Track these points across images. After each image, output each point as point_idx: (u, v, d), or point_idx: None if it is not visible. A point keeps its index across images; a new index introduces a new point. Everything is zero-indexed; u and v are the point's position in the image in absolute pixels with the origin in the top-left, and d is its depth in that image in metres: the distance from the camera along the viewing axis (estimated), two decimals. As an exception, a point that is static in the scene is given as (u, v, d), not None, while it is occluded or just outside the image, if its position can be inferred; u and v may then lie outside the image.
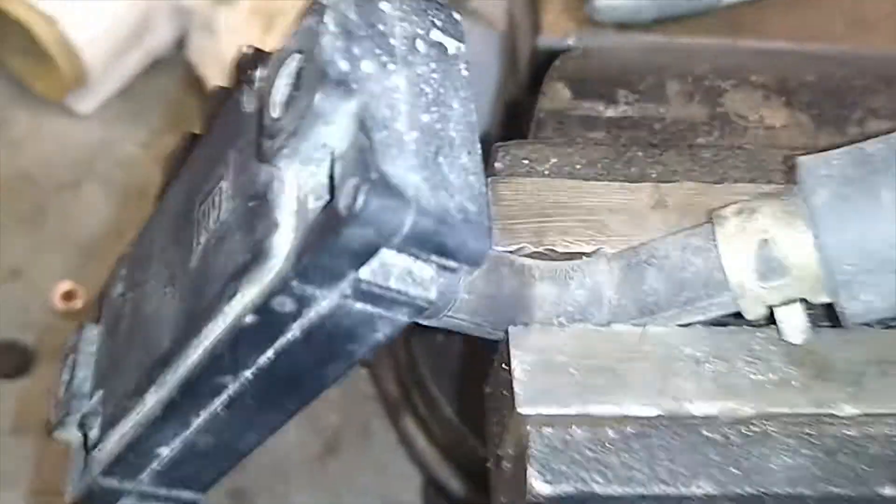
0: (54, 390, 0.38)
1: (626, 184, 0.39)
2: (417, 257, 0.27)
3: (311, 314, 0.28)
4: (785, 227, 0.33)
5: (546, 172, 0.40)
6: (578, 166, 0.40)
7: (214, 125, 0.34)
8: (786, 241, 0.33)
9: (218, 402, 0.31)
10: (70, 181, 0.95)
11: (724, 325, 0.36)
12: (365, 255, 0.25)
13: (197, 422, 0.32)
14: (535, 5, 0.60)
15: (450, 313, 0.34)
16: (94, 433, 0.35)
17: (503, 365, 0.35)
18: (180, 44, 1.02)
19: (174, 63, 1.02)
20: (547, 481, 0.33)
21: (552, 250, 0.37)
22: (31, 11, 0.88)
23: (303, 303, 0.27)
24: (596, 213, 0.38)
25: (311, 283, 0.26)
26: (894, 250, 0.31)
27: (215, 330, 0.29)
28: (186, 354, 0.30)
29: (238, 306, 0.28)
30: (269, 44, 0.90)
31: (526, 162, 0.40)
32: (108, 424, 0.34)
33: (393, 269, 0.27)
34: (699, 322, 0.36)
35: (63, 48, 0.90)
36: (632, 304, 0.35)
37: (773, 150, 0.41)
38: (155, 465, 0.34)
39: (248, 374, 0.30)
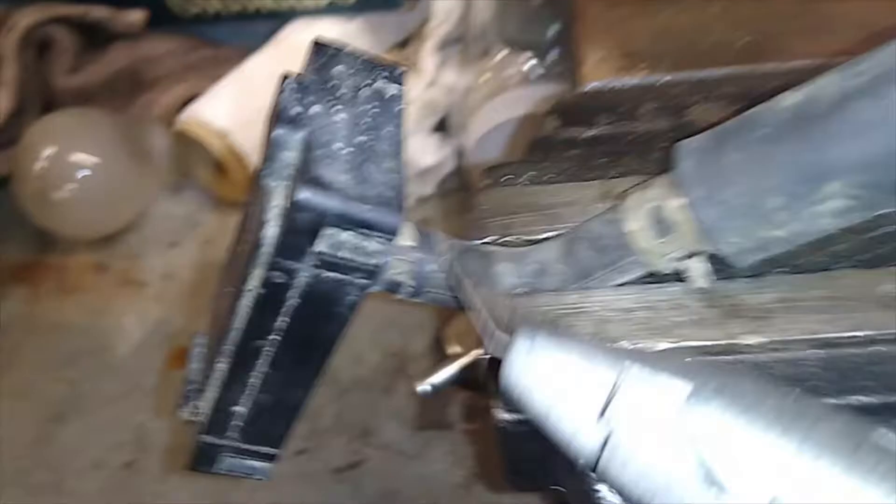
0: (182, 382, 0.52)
1: (581, 183, 0.49)
2: (355, 232, 0.38)
3: (300, 283, 0.40)
4: (668, 193, 0.42)
5: (525, 183, 0.51)
6: (551, 175, 0.51)
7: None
8: (668, 204, 0.42)
9: (262, 364, 0.44)
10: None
11: (656, 282, 0.45)
12: (313, 233, 0.38)
13: (252, 382, 0.45)
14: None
15: (430, 290, 0.45)
16: (196, 404, 0.49)
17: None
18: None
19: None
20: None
21: (518, 238, 0.48)
22: (205, 129, 1.08)
23: (290, 275, 0.40)
24: (553, 208, 0.48)
25: (287, 258, 0.39)
26: (742, 198, 0.39)
27: (244, 306, 0.42)
28: (232, 327, 0.44)
29: (252, 284, 0.41)
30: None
31: (507, 177, 0.51)
32: (200, 392, 0.48)
33: (345, 244, 0.39)
34: (630, 282, 0.45)
35: (234, 157, 1.09)
36: (571, 270, 0.45)
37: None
38: (236, 421, 0.47)
39: (274, 336, 0.43)
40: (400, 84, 0.43)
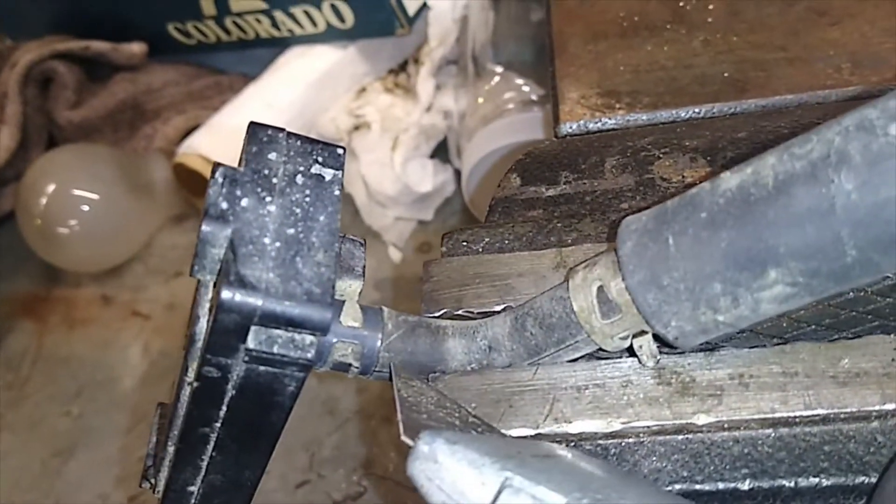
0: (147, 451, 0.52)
1: (534, 251, 0.48)
2: (285, 329, 0.38)
3: (235, 377, 0.40)
4: (612, 274, 0.41)
5: (479, 251, 0.50)
6: (507, 242, 0.50)
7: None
8: (611, 286, 0.41)
9: (209, 449, 0.44)
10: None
11: (608, 358, 0.44)
12: (240, 331, 0.37)
13: (203, 465, 0.45)
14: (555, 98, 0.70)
15: (377, 370, 0.45)
16: (153, 480, 0.49)
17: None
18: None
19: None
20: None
21: (469, 312, 0.47)
22: (202, 161, 1.09)
23: (223, 369, 0.39)
24: (506, 279, 0.47)
25: (218, 355, 0.38)
26: (681, 283, 0.38)
27: (185, 395, 0.42)
28: (178, 414, 0.43)
29: (189, 376, 0.41)
30: (396, 158, 1.04)
31: (464, 244, 0.50)
32: (158, 469, 0.48)
33: (277, 339, 0.38)
34: (582, 357, 0.44)
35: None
36: (521, 348, 0.44)
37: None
38: (192, 500, 0.47)
39: (217, 425, 0.42)
40: (338, 167, 0.42)
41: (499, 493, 0.30)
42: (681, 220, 0.38)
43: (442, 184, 1.13)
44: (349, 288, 0.45)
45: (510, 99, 1.05)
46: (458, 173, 1.13)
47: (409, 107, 1.14)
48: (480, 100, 1.07)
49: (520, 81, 1.06)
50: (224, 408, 0.41)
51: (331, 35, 1.15)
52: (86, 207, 1.12)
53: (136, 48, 1.22)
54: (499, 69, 1.08)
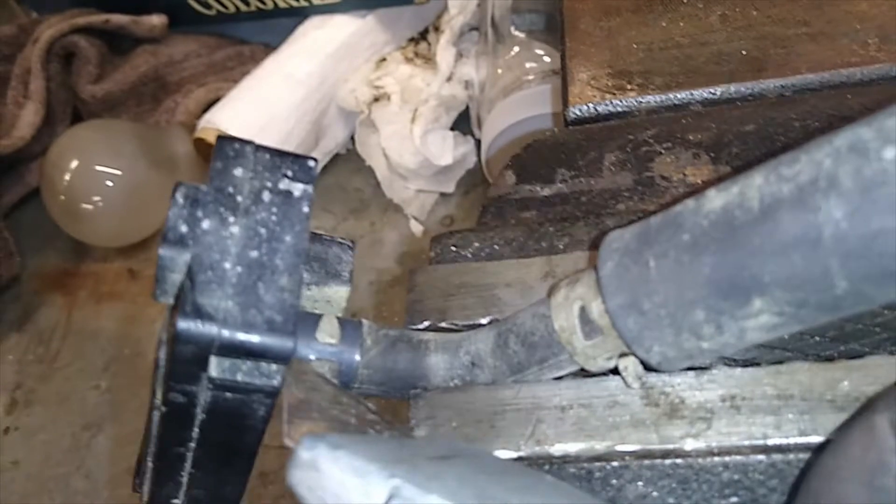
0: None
1: (522, 259, 0.46)
2: (246, 358, 0.37)
3: (202, 401, 0.39)
4: (593, 295, 0.39)
5: (468, 256, 0.48)
6: (496, 247, 0.48)
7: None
8: (592, 307, 0.38)
9: (188, 466, 0.43)
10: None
11: (594, 375, 0.42)
12: (200, 361, 0.36)
13: (184, 480, 0.44)
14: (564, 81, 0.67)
15: (356, 386, 0.43)
16: (141, 490, 0.48)
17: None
18: (353, 139, 1.17)
19: (349, 156, 1.17)
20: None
21: (454, 324, 0.45)
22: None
23: (188, 395, 0.38)
24: (492, 289, 0.45)
25: (181, 382, 0.37)
26: (662, 309, 0.36)
27: (156, 417, 0.41)
28: (152, 434, 0.43)
29: (157, 399, 0.40)
30: (416, 131, 1.02)
31: (453, 249, 0.49)
32: (142, 483, 0.47)
33: (240, 367, 0.37)
34: (568, 375, 0.42)
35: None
36: (504, 365, 0.42)
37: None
38: (179, 511, 0.47)
39: (192, 445, 0.41)
40: (308, 181, 0.40)
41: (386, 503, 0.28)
42: (662, 242, 0.36)
43: (463, 156, 1.11)
44: (336, 294, 0.44)
45: (530, 70, 1.02)
46: (479, 144, 1.10)
47: (430, 77, 1.11)
48: (500, 70, 1.04)
49: (540, 51, 1.02)
50: (195, 429, 0.40)
51: (349, 4, 1.12)
52: (109, 183, 1.12)
53: (157, 20, 1.20)
54: (519, 36, 1.05)
